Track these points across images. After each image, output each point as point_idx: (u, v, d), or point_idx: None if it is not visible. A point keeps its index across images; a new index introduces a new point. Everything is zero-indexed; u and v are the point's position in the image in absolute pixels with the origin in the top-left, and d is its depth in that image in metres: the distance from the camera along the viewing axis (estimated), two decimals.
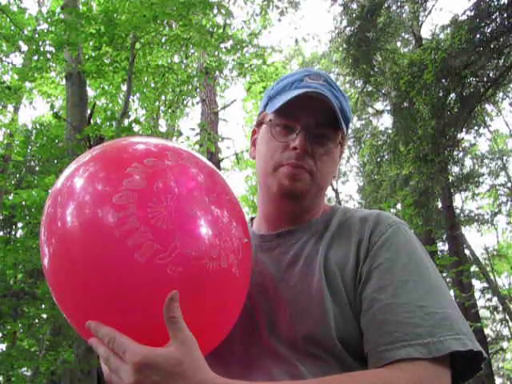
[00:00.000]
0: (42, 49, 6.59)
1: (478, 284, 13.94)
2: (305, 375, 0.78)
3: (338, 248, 0.89)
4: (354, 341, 0.81)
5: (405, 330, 0.75)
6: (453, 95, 7.37)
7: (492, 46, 6.67)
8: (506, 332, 14.45)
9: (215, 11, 8.61)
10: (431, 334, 0.74)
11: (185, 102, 10.10)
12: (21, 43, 7.29)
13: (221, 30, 9.30)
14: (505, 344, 15.12)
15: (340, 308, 0.82)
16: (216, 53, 8.95)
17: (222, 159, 10.09)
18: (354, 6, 9.44)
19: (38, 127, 11.21)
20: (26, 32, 7.71)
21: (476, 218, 14.96)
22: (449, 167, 8.35)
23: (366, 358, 0.79)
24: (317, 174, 0.93)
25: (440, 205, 10.41)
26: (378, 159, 11.35)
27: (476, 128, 9.38)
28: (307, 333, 0.82)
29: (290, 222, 0.99)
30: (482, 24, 6.70)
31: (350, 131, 16.67)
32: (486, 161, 14.40)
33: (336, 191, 17.30)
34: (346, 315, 0.82)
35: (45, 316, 7.40)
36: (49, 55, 6.57)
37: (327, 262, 0.87)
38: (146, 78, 8.72)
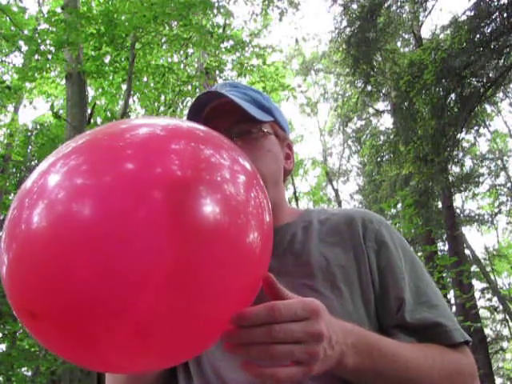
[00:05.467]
0: (42, 49, 6.60)
1: (478, 284, 13.96)
2: None
3: (332, 247, 0.89)
4: None
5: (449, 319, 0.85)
6: (453, 95, 7.37)
7: (492, 46, 6.67)
8: (506, 332, 14.47)
9: (215, 11, 8.62)
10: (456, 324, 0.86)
11: (185, 102, 10.11)
12: (21, 43, 7.29)
13: (221, 30, 9.31)
14: (505, 344, 15.12)
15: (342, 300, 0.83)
16: (216, 53, 8.96)
17: None
18: (354, 6, 9.44)
19: (38, 127, 11.22)
20: (26, 32, 7.71)
21: (476, 217, 14.96)
22: (449, 167, 8.35)
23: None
24: None
25: (440, 205, 10.42)
26: (378, 159, 11.36)
27: (476, 128, 9.37)
28: None
29: None
30: (482, 24, 6.70)
31: (350, 131, 16.71)
32: (485, 161, 14.40)
33: (336, 191, 17.31)
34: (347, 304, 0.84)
35: None
36: (49, 55, 6.58)
37: (326, 262, 0.87)
38: (145, 78, 8.72)
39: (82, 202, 0.52)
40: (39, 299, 0.53)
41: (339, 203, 16.80)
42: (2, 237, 0.58)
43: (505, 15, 6.50)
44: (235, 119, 0.91)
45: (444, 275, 7.11)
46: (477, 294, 12.06)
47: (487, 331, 13.61)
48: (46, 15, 6.62)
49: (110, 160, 0.56)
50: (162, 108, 9.99)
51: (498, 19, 6.62)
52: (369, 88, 10.47)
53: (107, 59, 7.16)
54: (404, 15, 10.07)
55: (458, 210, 13.45)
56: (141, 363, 0.60)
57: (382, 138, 12.41)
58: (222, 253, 0.56)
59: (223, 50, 8.59)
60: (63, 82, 8.09)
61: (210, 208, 0.55)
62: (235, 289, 0.59)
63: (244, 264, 0.59)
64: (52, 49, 6.54)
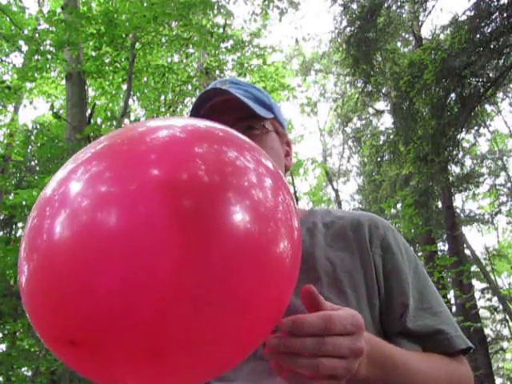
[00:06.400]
0: (42, 49, 6.61)
1: (478, 284, 13.96)
2: None
3: (338, 252, 0.88)
4: None
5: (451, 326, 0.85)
6: (453, 95, 7.37)
7: (492, 46, 6.66)
8: (506, 332, 14.46)
9: (215, 11, 8.62)
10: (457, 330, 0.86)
11: (185, 102, 10.11)
12: (21, 43, 7.29)
13: (221, 30, 9.31)
14: (505, 344, 15.12)
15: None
16: (216, 53, 8.96)
17: None
18: (354, 6, 9.44)
19: (38, 127, 11.22)
20: (26, 32, 7.72)
21: (476, 217, 14.97)
22: (449, 167, 8.35)
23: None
24: None
25: (440, 205, 10.42)
26: (378, 159, 11.36)
27: (476, 128, 9.37)
28: None
29: None
30: (482, 24, 6.70)
31: (350, 131, 16.70)
32: (486, 161, 14.41)
33: (336, 191, 17.31)
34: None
35: None
36: (49, 55, 6.59)
37: (332, 267, 0.86)
38: (145, 78, 8.72)
39: (108, 211, 0.49)
40: (62, 313, 0.51)
41: (339, 203, 16.81)
42: (21, 246, 0.56)
43: (505, 15, 6.49)
44: (238, 116, 0.90)
45: (444, 275, 7.11)
46: (477, 294, 12.05)
47: (487, 331, 13.61)
48: (46, 15, 6.62)
49: (133, 166, 0.53)
50: (162, 108, 10.00)
51: (498, 19, 6.62)
52: (369, 88, 10.47)
53: (107, 59, 7.16)
54: (404, 15, 10.08)
55: (457, 210, 13.46)
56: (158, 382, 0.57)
57: (382, 138, 12.41)
58: (252, 265, 0.53)
59: (223, 50, 8.60)
60: (63, 82, 8.10)
61: (239, 216, 0.52)
62: (263, 305, 0.56)
63: (274, 277, 0.56)
64: (52, 49, 6.54)
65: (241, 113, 0.90)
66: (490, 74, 7.14)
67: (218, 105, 0.92)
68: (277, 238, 0.56)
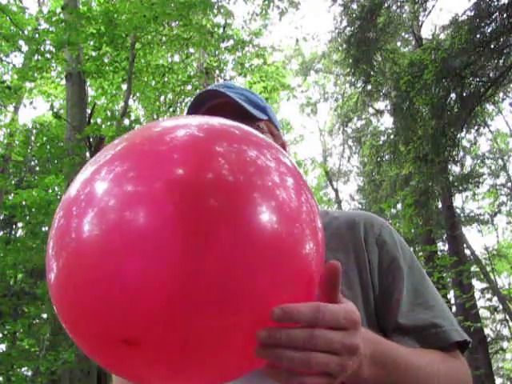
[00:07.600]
0: (42, 49, 6.61)
1: (478, 284, 13.96)
2: None
3: (334, 253, 0.88)
4: None
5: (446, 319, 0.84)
6: (453, 95, 7.37)
7: (492, 46, 6.66)
8: (506, 332, 14.47)
9: (215, 11, 8.62)
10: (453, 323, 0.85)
11: (185, 102, 10.11)
12: (21, 43, 7.29)
13: (221, 30, 9.31)
14: (505, 344, 15.12)
15: None
16: (216, 53, 8.97)
17: None
18: (354, 6, 9.44)
19: (38, 127, 11.23)
20: (26, 32, 7.72)
21: (476, 217, 14.97)
22: (449, 167, 8.35)
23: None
24: None
25: (440, 205, 10.41)
26: (378, 159, 11.35)
27: (476, 128, 9.36)
28: None
29: None
30: (482, 24, 6.70)
31: (350, 131, 16.70)
32: (486, 161, 14.41)
33: (336, 191, 17.32)
34: None
35: (45, 316, 7.41)
36: (49, 55, 6.59)
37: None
38: (145, 78, 8.72)
39: (136, 210, 0.49)
40: (108, 311, 0.51)
41: (339, 203, 16.81)
42: (49, 245, 0.57)
43: (505, 15, 6.49)
44: (233, 117, 0.91)
45: (444, 275, 7.10)
46: (477, 294, 12.05)
47: (487, 331, 13.60)
48: (46, 15, 6.62)
49: (157, 165, 0.52)
50: (162, 108, 9.99)
51: (498, 19, 6.61)
52: (369, 88, 10.47)
53: (107, 59, 7.17)
54: (404, 15, 10.07)
55: (457, 210, 13.45)
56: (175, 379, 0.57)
57: (382, 138, 12.41)
58: (279, 268, 0.52)
59: (223, 49, 8.60)
60: (63, 81, 8.10)
61: (266, 217, 0.51)
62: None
63: (301, 281, 0.55)
64: (52, 49, 6.54)
65: (235, 114, 0.89)
66: (490, 74, 7.14)
67: (213, 108, 0.93)
68: (303, 239, 0.55)
